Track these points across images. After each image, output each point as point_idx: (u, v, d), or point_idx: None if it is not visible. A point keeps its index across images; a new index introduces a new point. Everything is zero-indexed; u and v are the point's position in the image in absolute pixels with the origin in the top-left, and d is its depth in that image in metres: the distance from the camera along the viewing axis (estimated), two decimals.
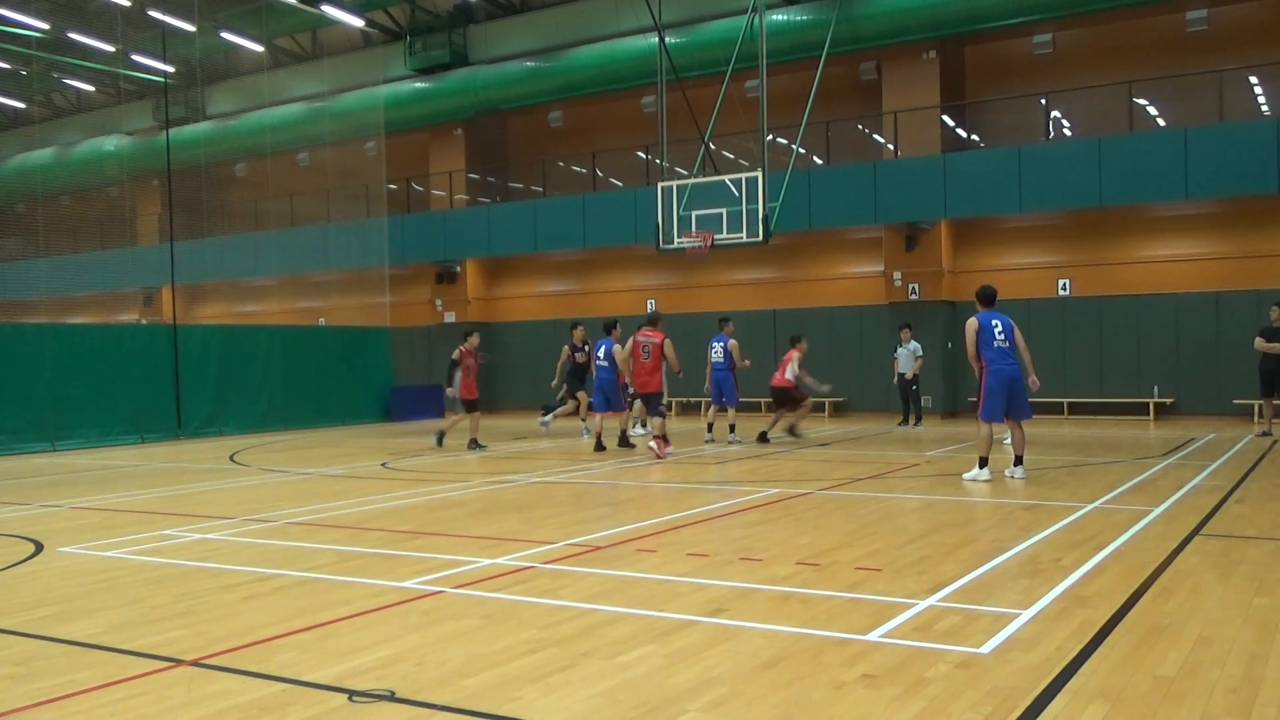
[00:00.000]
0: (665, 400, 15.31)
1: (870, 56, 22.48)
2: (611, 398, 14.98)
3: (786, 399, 15.92)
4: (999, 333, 10.49)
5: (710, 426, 16.47)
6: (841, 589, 5.91)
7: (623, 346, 14.72)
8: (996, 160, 20.50)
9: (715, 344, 16.15)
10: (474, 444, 15.86)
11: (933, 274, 21.53)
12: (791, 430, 16.19)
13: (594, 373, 15.32)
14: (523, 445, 16.96)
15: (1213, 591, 5.71)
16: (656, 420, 14.39)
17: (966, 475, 10.78)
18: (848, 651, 4.67)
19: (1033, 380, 10.91)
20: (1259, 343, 15.35)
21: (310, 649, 4.90)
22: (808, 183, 21.19)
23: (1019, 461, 10.87)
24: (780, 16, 21.58)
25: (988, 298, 10.88)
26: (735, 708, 3.98)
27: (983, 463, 10.62)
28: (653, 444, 13.94)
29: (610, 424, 15.74)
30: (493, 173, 28.49)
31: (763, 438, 15.77)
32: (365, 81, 27.95)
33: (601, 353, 14.99)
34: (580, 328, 17.77)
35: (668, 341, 14.52)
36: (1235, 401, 18.89)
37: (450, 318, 27.45)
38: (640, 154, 25.95)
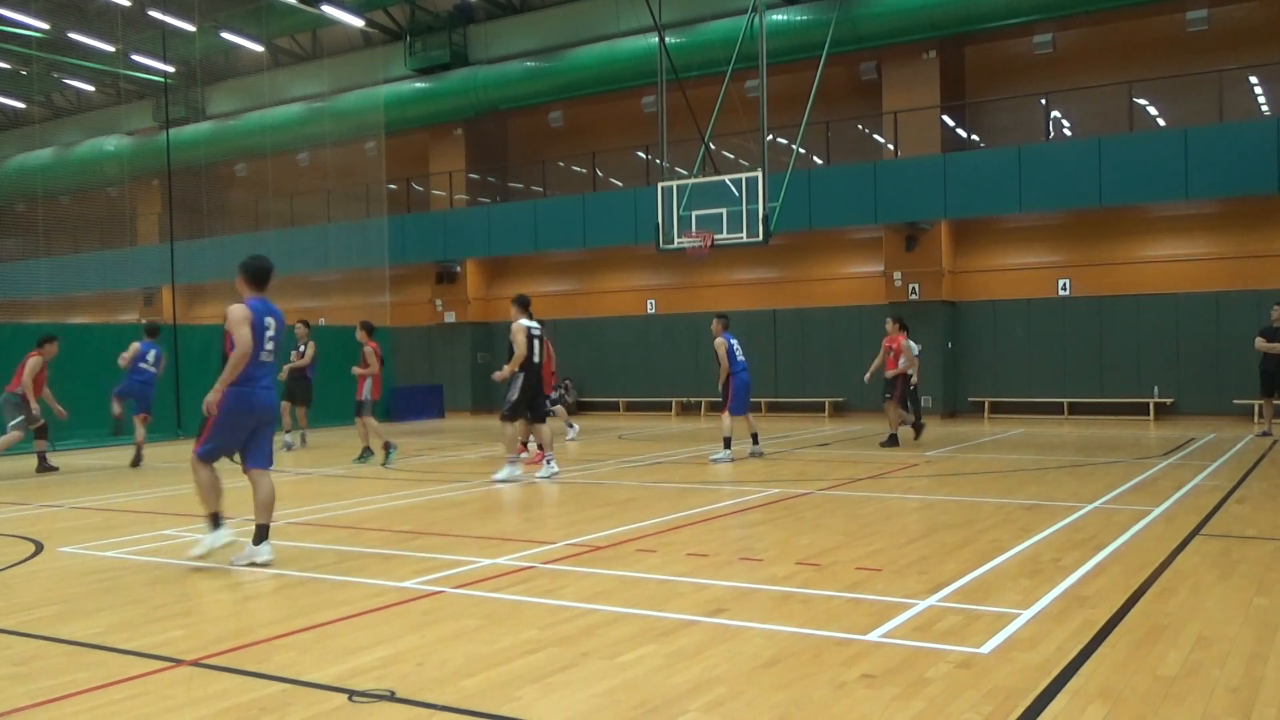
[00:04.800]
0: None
1: (870, 56, 22.47)
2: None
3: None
4: (269, 336, 7.16)
5: (755, 436, 14.28)
6: (841, 589, 5.91)
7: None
8: (996, 160, 20.49)
9: (731, 340, 13.84)
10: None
11: (933, 274, 21.52)
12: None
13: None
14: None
15: (1213, 591, 5.71)
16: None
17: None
18: (848, 651, 4.67)
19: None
20: (1259, 343, 15.36)
21: (310, 649, 4.90)
22: (808, 183, 21.19)
23: (259, 538, 7.06)
24: (780, 16, 21.57)
25: (262, 276, 7.31)
26: (735, 708, 3.98)
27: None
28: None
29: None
30: (493, 173, 28.49)
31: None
32: (365, 81, 27.95)
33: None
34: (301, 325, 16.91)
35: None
36: (1235, 401, 18.88)
37: (450, 318, 27.46)
38: (640, 154, 25.94)
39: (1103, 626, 4.99)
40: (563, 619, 5.33)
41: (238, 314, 6.99)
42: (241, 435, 7.08)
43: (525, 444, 13.23)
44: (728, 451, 13.49)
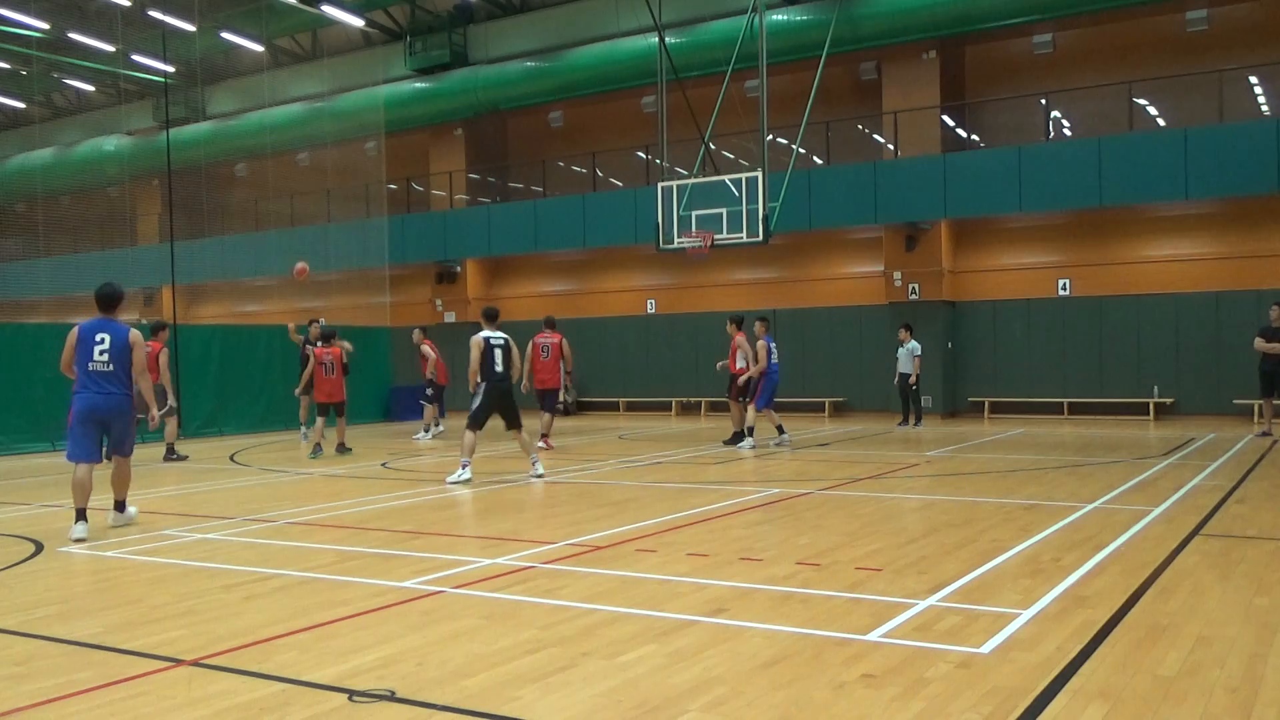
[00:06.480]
0: (561, 399, 16.63)
1: (870, 56, 22.48)
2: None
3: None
4: (100, 350, 8.24)
5: (781, 428, 15.55)
6: (841, 589, 5.91)
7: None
8: (996, 160, 20.50)
9: (768, 343, 15.23)
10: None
11: (933, 274, 21.53)
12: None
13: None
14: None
15: (1213, 591, 5.71)
16: (547, 417, 15.79)
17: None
18: (848, 651, 4.67)
19: (152, 416, 8.97)
20: (1259, 343, 15.37)
21: (310, 649, 4.90)
22: (808, 183, 21.19)
23: (118, 507, 8.95)
24: (780, 16, 21.57)
25: (104, 301, 8.45)
26: (735, 708, 3.98)
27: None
28: (540, 444, 14.94)
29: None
30: (493, 173, 28.49)
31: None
32: (365, 81, 27.96)
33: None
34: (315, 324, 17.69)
35: (565, 341, 15.86)
36: (1235, 401, 18.88)
37: (450, 318, 27.46)
38: (640, 154, 25.95)
39: (1103, 626, 4.99)
40: (563, 619, 5.33)
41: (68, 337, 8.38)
42: (93, 431, 8.38)
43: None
44: (749, 440, 15.06)
